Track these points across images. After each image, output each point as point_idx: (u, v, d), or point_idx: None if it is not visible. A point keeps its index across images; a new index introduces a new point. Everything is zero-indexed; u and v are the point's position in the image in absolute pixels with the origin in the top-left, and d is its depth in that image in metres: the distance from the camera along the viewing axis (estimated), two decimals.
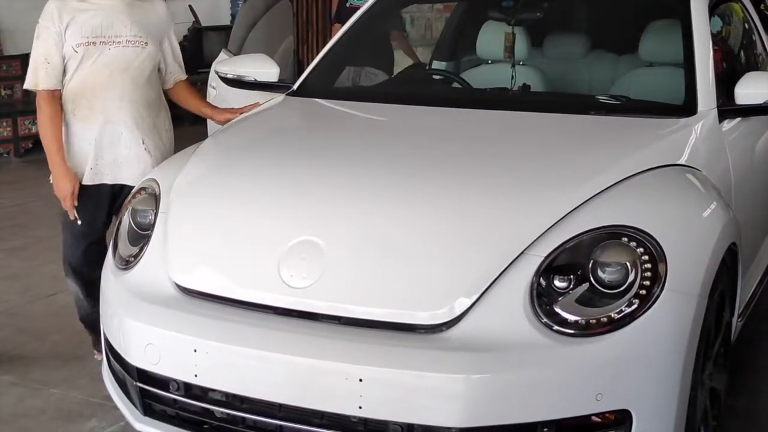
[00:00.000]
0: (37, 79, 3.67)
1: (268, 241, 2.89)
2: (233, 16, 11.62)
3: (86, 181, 3.77)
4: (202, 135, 4.22)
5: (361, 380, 2.59)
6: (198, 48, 10.81)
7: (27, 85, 3.69)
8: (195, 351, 2.77)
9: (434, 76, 4.64)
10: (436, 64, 5.14)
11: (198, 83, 10.60)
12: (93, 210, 3.81)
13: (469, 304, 2.66)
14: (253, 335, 2.75)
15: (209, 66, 10.41)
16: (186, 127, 9.95)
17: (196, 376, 2.79)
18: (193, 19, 11.05)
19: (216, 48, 10.96)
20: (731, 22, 4.55)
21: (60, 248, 3.98)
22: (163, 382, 2.89)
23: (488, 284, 2.68)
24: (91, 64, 3.70)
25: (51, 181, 3.76)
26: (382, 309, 2.71)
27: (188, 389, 2.85)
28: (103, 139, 3.75)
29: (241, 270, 2.88)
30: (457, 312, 2.66)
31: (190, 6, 11.05)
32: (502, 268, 2.69)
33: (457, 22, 5.21)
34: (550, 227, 2.76)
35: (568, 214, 2.80)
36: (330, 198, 2.97)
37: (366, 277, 2.76)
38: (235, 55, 5.36)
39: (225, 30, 11.26)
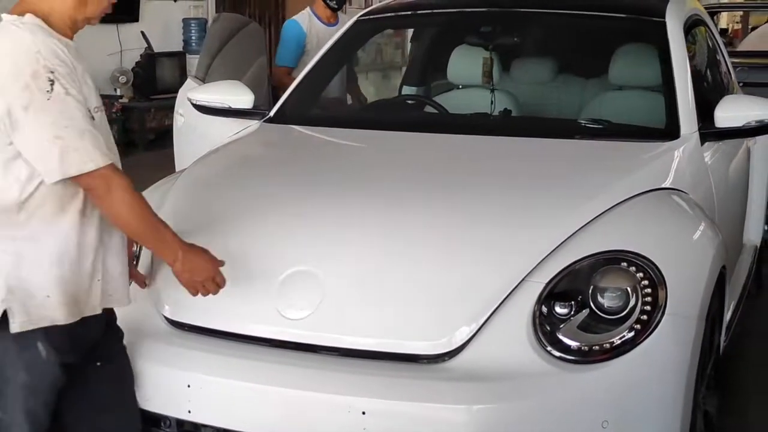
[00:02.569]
0: (88, 154, 2.38)
1: (261, 273, 2.82)
2: (185, 42, 11.53)
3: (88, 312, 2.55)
4: (159, 161, 4.11)
5: (364, 413, 2.53)
6: (151, 74, 10.70)
7: (74, 170, 2.36)
8: (188, 386, 2.70)
9: (410, 102, 4.60)
10: (407, 90, 5.11)
11: (151, 110, 10.55)
12: None
13: (471, 333, 2.63)
14: (250, 368, 2.69)
15: (162, 92, 10.48)
16: (140, 153, 9.90)
17: (189, 412, 2.71)
18: (146, 45, 10.93)
19: (168, 74, 10.88)
20: (696, 41, 4.60)
21: None
22: (154, 420, 2.80)
23: (490, 312, 2.65)
24: None
25: (175, 270, 2.62)
26: (383, 339, 2.67)
27: (181, 426, 2.77)
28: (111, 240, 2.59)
29: (234, 302, 2.81)
30: (459, 341, 2.63)
31: (142, 32, 10.93)
32: (504, 296, 2.67)
33: (428, 47, 5.20)
34: (550, 253, 2.75)
35: (566, 240, 2.79)
36: (324, 228, 2.92)
37: (365, 308, 2.72)
38: (202, 81, 5.28)
39: (177, 56, 11.17)
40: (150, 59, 10.74)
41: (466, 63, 4.45)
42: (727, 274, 3.35)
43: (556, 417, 2.57)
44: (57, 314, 2.44)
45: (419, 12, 4.58)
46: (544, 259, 2.74)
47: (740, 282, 4.34)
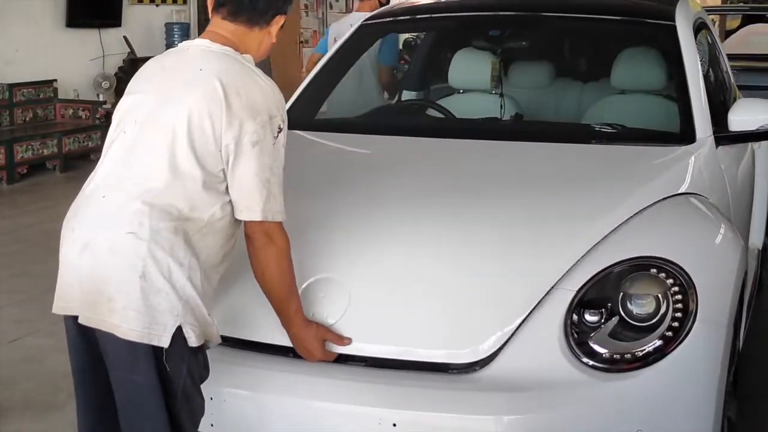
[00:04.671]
0: (281, 206, 2.48)
1: None
2: (168, 46, 11.41)
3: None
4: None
5: (395, 425, 2.48)
6: None
7: (271, 216, 2.46)
8: (211, 399, 2.62)
9: (415, 107, 4.54)
10: (406, 94, 5.06)
11: None
12: None
13: (502, 342, 2.59)
14: (274, 380, 2.63)
15: None
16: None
17: (212, 425, 2.64)
18: (129, 50, 10.83)
19: None
20: (704, 43, 4.58)
21: (22, 289, 3.70)
22: None
23: (520, 321, 2.61)
24: None
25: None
26: (412, 348, 2.61)
27: None
28: None
29: (256, 311, 2.74)
30: (490, 350, 2.58)
31: (124, 37, 10.84)
32: (534, 304, 2.63)
33: (428, 51, 5.15)
34: (579, 261, 2.70)
35: (594, 246, 2.74)
36: (349, 235, 2.85)
37: (392, 316, 2.67)
38: None
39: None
40: (133, 64, 10.64)
41: (469, 67, 4.40)
42: (747, 278, 3.33)
43: (589, 427, 2.53)
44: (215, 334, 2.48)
45: (424, 16, 4.52)
46: (573, 266, 2.69)
47: (750, 285, 4.32)
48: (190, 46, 2.53)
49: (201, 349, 2.44)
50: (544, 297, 2.64)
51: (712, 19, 21.76)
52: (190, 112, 2.38)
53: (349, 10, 14.18)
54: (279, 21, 2.55)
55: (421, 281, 2.71)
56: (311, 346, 2.62)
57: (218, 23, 2.53)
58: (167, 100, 2.43)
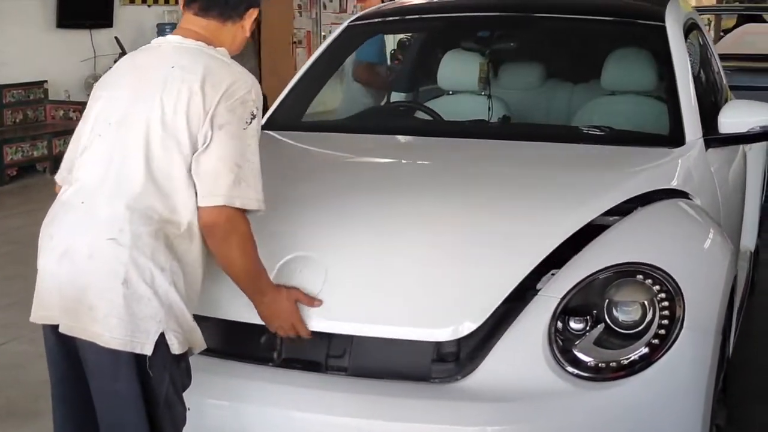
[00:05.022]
0: (256, 194, 2.40)
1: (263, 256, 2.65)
2: None
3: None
4: None
5: None
6: None
7: (239, 202, 2.36)
8: (189, 410, 2.57)
9: (403, 108, 4.49)
10: (395, 96, 5.01)
11: None
12: None
13: (482, 319, 2.54)
14: (252, 390, 2.57)
15: None
16: None
17: None
18: (120, 51, 10.76)
19: None
20: (695, 44, 4.53)
21: (10, 292, 3.66)
22: None
23: (503, 329, 2.55)
24: None
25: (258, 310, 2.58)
26: (387, 326, 2.57)
27: None
28: None
29: (230, 290, 2.57)
30: (465, 331, 2.53)
31: (116, 38, 10.77)
32: (518, 311, 2.57)
33: (417, 53, 5.10)
34: (563, 266, 2.65)
35: (580, 252, 2.69)
36: (326, 215, 2.82)
37: (369, 294, 2.63)
38: None
39: None
40: None
41: (458, 68, 4.34)
42: (737, 283, 3.28)
43: None
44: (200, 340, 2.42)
45: (411, 17, 4.47)
46: (557, 272, 2.64)
47: (740, 289, 4.28)
48: (162, 43, 2.48)
49: (184, 357, 2.39)
50: (528, 304, 2.58)
51: (708, 19, 21.83)
52: (165, 110, 2.33)
53: (343, 10, 14.12)
54: (252, 14, 2.51)
55: (399, 262, 2.66)
56: (285, 312, 2.54)
57: (190, 19, 2.48)
58: (141, 99, 2.37)
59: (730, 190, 4.10)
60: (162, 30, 11.43)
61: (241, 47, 2.55)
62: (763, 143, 4.70)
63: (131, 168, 2.33)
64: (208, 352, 2.57)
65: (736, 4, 17.18)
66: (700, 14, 15.71)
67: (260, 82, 5.61)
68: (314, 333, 2.58)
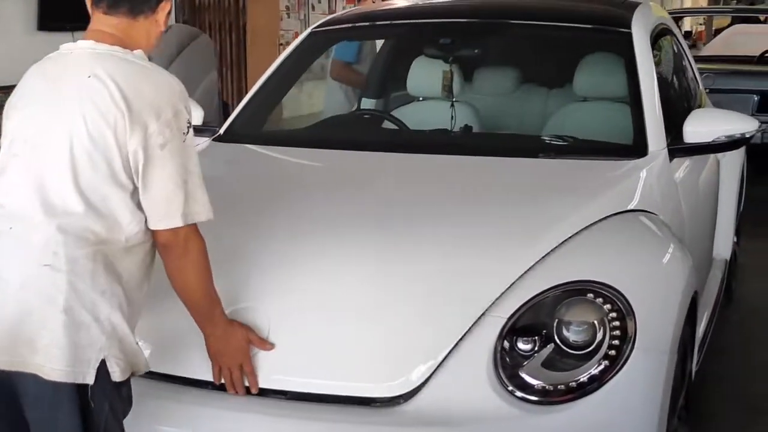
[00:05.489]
0: (205, 206, 2.33)
1: None
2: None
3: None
4: None
5: None
6: None
7: (191, 218, 2.29)
8: None
9: (368, 117, 4.41)
10: (365, 102, 4.93)
11: None
12: None
13: (428, 374, 2.45)
14: (190, 415, 2.49)
15: None
16: None
17: None
18: None
19: None
20: (666, 50, 4.46)
21: None
22: None
23: (448, 350, 2.48)
24: None
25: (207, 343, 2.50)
26: (334, 382, 2.48)
27: None
28: None
29: (172, 342, 2.60)
30: (416, 382, 2.45)
31: None
32: (463, 332, 2.50)
33: (386, 59, 5.02)
34: (511, 285, 2.57)
35: (528, 270, 2.61)
36: (269, 260, 2.71)
37: (313, 347, 2.53)
38: None
39: None
40: None
41: (425, 75, 4.26)
42: (699, 297, 3.20)
43: None
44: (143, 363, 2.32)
45: (376, 23, 4.39)
46: (505, 291, 2.56)
47: (711, 299, 4.21)
48: (73, 50, 2.30)
49: (125, 382, 2.29)
50: (473, 325, 2.51)
51: (703, 20, 21.70)
52: (88, 124, 2.20)
53: (332, 11, 14.04)
54: (165, 7, 2.36)
55: (344, 309, 2.57)
56: (234, 348, 2.46)
57: (100, 19, 2.31)
58: (58, 114, 2.23)
59: (700, 199, 4.03)
60: (167, 29, 11.33)
61: (156, 44, 2.41)
62: (739, 149, 4.62)
63: (58, 188, 2.21)
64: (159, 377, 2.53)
65: (733, 3, 17.10)
66: (691, 15, 15.56)
67: (221, 89, 5.58)
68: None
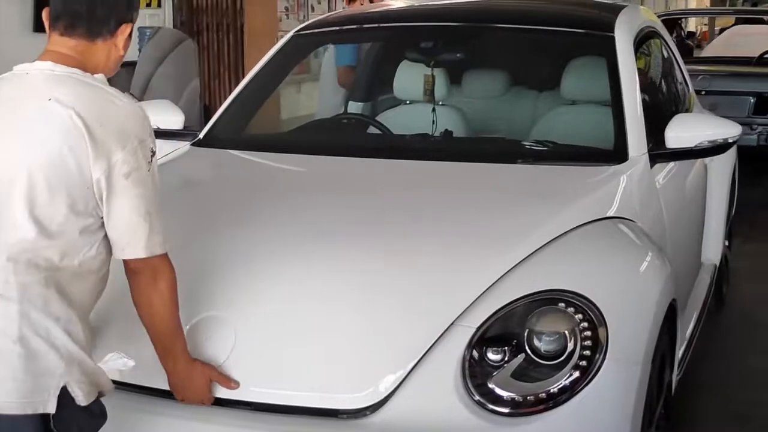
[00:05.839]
0: (165, 236, 2.29)
1: None
2: (140, 51, 11.24)
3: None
4: None
5: None
6: None
7: (159, 249, 2.26)
8: None
9: (350, 121, 4.37)
10: (353, 105, 4.89)
11: None
12: None
13: (395, 384, 2.41)
14: (151, 425, 2.46)
15: None
16: None
17: None
18: None
19: (124, 84, 10.54)
20: (652, 53, 4.43)
21: None
22: None
23: (416, 361, 2.43)
24: None
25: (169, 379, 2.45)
26: (299, 393, 2.44)
27: None
28: None
29: (138, 351, 2.54)
30: (383, 393, 2.41)
31: None
32: (431, 343, 2.45)
33: (373, 61, 4.98)
34: (481, 295, 2.53)
35: (499, 279, 2.57)
36: (236, 268, 2.67)
37: (279, 357, 2.49)
38: (138, 99, 5.04)
39: (133, 65, 10.84)
40: None
41: (411, 79, 4.24)
42: (679, 306, 3.16)
43: None
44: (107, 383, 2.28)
45: (361, 26, 4.35)
46: (475, 301, 2.52)
47: (698, 305, 4.16)
48: (30, 71, 2.21)
49: (94, 402, 2.23)
50: (442, 335, 2.46)
51: (705, 18, 21.61)
52: (47, 150, 2.13)
53: (332, 11, 14.00)
54: (125, 30, 2.28)
55: (310, 319, 2.53)
56: (196, 386, 2.43)
57: (57, 41, 2.23)
58: (15, 138, 2.15)
59: (686, 203, 3.99)
60: (143, 34, 11.29)
61: (116, 69, 2.34)
62: (729, 152, 4.57)
63: (10, 213, 2.14)
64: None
65: (739, 4, 17.05)
66: (691, 15, 15.48)
67: (218, 91, 5.55)
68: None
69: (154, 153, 2.24)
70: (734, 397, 4.19)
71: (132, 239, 2.21)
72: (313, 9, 15.21)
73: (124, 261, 2.27)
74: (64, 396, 2.12)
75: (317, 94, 6.23)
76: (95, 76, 2.23)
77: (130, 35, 2.32)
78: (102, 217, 2.19)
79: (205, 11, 11.94)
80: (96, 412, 2.23)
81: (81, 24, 2.23)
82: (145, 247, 2.22)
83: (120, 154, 2.15)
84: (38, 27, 10.16)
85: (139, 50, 11.14)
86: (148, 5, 11.81)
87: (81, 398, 2.15)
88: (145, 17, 11.74)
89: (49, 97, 2.14)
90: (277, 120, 4.79)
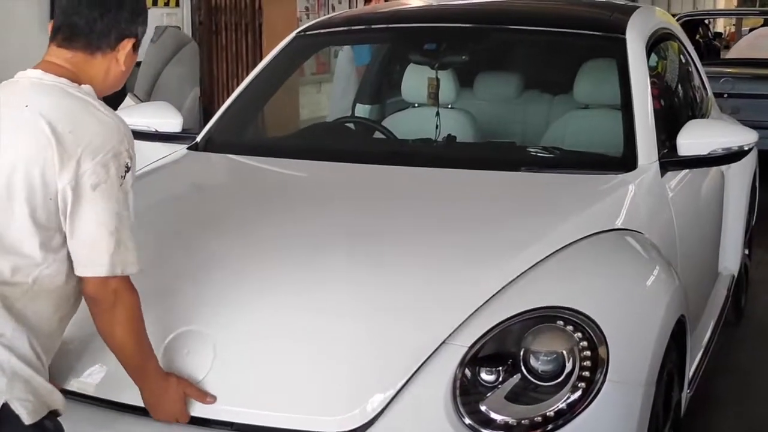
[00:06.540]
0: (134, 256, 2.17)
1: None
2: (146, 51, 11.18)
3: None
4: None
5: None
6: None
7: (120, 269, 2.13)
8: None
9: (352, 125, 4.25)
10: (360, 108, 4.77)
11: None
12: None
13: (382, 406, 2.28)
14: None
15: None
16: None
17: None
18: None
19: (130, 85, 10.48)
20: (667, 56, 4.28)
21: None
22: None
23: (404, 381, 2.30)
24: None
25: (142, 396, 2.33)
26: (282, 413, 2.31)
27: None
28: None
29: (114, 367, 2.43)
30: (369, 415, 2.28)
31: None
32: (420, 362, 2.32)
33: (380, 63, 4.86)
34: (475, 311, 2.40)
35: (495, 295, 2.44)
36: (219, 281, 2.55)
37: (262, 375, 2.37)
38: (143, 100, 4.95)
39: (138, 66, 10.78)
40: None
41: (418, 81, 4.11)
42: (690, 320, 3.01)
43: None
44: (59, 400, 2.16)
45: (364, 27, 4.23)
46: (468, 318, 2.39)
47: (713, 316, 4.01)
48: (21, 78, 2.18)
49: (48, 419, 2.12)
50: (432, 354, 2.33)
51: (733, 22, 21.35)
52: (13, 157, 2.05)
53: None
54: (126, 45, 2.22)
55: (296, 336, 2.41)
56: (170, 402, 2.31)
57: (54, 51, 2.19)
58: None
59: (700, 213, 3.84)
60: (159, 33, 11.26)
61: (119, 84, 2.29)
62: (748, 158, 4.41)
63: None
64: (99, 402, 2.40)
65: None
66: (704, 17, 15.23)
67: (203, 109, 5.45)
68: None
69: (129, 169, 2.13)
70: (750, 413, 4.04)
71: (94, 255, 2.10)
72: (333, 8, 15.11)
73: (82, 284, 2.15)
74: (7, 414, 2.03)
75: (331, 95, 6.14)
76: (82, 86, 2.17)
77: (135, 50, 2.25)
78: (65, 233, 2.10)
79: (223, 11, 11.85)
80: (50, 430, 2.13)
81: (80, 37, 2.18)
82: (108, 264, 2.10)
83: (89, 164, 2.07)
84: None
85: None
86: (166, 4, 11.75)
87: (25, 416, 2.05)
88: (163, 17, 11.69)
89: (27, 104, 2.09)
90: (279, 123, 4.65)
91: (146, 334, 2.25)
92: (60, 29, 2.20)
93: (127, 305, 2.17)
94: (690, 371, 3.23)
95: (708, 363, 3.70)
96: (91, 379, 2.43)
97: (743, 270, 4.96)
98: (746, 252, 4.97)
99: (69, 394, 2.32)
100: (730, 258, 4.52)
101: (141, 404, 2.34)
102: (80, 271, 2.13)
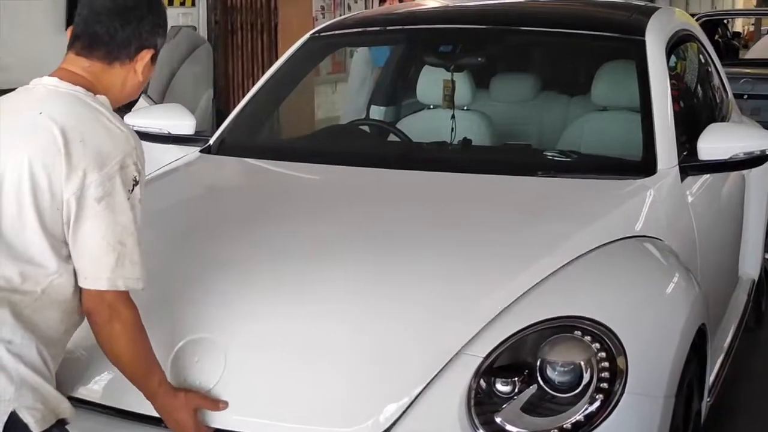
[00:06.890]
0: (140, 272, 2.15)
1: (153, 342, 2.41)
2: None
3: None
4: None
5: None
6: None
7: (122, 284, 2.12)
8: None
9: (365, 127, 4.19)
10: (374, 110, 4.73)
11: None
12: None
13: (396, 416, 2.24)
14: None
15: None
16: None
17: None
18: None
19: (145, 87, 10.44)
20: (687, 57, 4.21)
21: None
22: None
23: (418, 391, 2.26)
24: None
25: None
26: (294, 424, 2.27)
27: None
28: None
29: (120, 374, 2.39)
30: (383, 426, 2.24)
31: None
32: (434, 372, 2.28)
33: (395, 65, 4.81)
34: (491, 321, 2.35)
35: (511, 304, 2.39)
36: (231, 287, 2.50)
37: (273, 384, 2.33)
38: (156, 102, 4.92)
39: None
40: None
41: (433, 83, 4.06)
42: (710, 329, 2.95)
43: None
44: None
45: (379, 29, 4.18)
46: (484, 327, 2.34)
47: (734, 321, 3.94)
48: (36, 85, 2.18)
49: (56, 427, 2.11)
50: (447, 363, 2.29)
51: (752, 22, 21.23)
52: (24, 164, 2.05)
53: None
54: (145, 56, 2.21)
55: (309, 345, 2.36)
56: (182, 419, 2.27)
57: (72, 59, 2.18)
58: (7, 150, 2.08)
59: (721, 217, 3.78)
60: (173, 34, 11.23)
61: (135, 94, 2.27)
62: None
63: None
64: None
65: None
66: (723, 17, 15.11)
67: (216, 111, 5.41)
68: None
69: (137, 182, 2.11)
70: None
71: (95, 269, 2.08)
72: (349, 8, 15.06)
73: (82, 298, 2.13)
74: (16, 422, 2.01)
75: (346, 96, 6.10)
76: (97, 96, 2.15)
77: (153, 61, 2.23)
78: None
79: (239, 10, 11.84)
80: None
81: (99, 47, 2.17)
82: (108, 278, 2.08)
83: (95, 176, 2.05)
84: (71, 25, 10.13)
85: None
86: (182, 4, 11.73)
87: (33, 424, 2.03)
88: (178, 16, 11.67)
89: (41, 111, 2.09)
90: (292, 126, 4.60)
91: (149, 350, 2.22)
92: (79, 37, 2.19)
93: (123, 320, 2.14)
94: (710, 379, 3.17)
95: (728, 369, 3.64)
96: (98, 386, 2.40)
97: (764, 274, 4.89)
98: (766, 256, 4.90)
99: (76, 402, 2.30)
100: (751, 262, 4.45)
101: (148, 412, 2.31)
102: (82, 283, 2.12)
